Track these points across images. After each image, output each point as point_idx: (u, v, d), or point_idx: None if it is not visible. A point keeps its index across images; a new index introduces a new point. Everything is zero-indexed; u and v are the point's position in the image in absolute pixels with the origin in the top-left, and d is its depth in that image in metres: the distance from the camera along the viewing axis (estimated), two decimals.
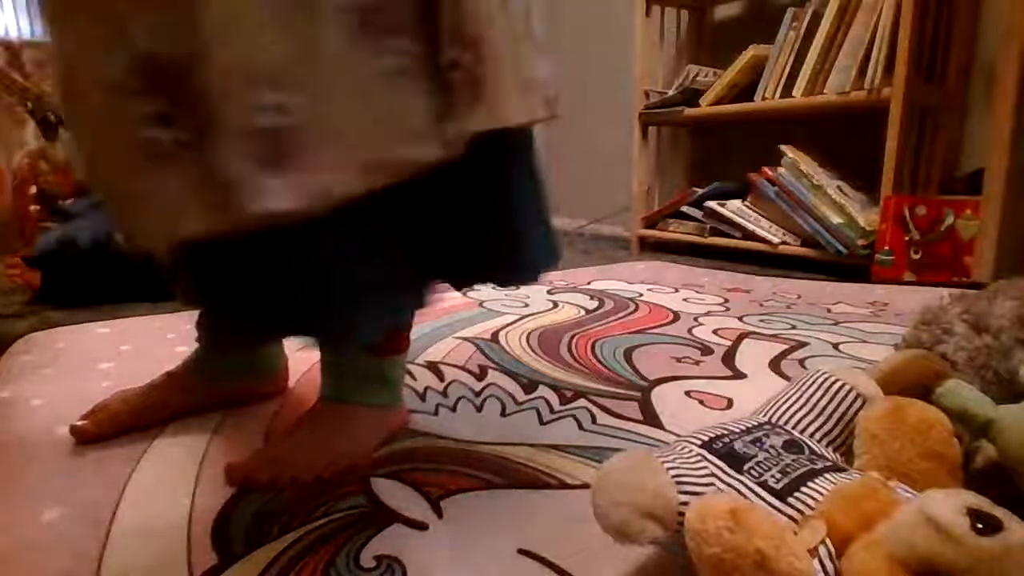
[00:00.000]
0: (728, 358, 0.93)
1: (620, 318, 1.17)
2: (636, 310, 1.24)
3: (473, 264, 0.58)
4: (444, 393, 0.78)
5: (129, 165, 0.40)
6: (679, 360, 0.91)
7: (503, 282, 0.63)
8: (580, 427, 0.67)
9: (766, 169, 1.84)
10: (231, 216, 0.39)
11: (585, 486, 0.55)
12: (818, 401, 0.48)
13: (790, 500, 0.38)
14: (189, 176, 0.39)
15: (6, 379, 0.83)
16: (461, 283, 0.61)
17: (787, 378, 0.83)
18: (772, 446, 0.43)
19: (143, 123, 0.38)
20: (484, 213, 0.55)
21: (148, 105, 0.38)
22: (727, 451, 0.42)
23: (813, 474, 0.40)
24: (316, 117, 0.40)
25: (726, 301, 1.34)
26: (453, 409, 0.72)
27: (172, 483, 0.56)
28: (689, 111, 2.04)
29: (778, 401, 0.50)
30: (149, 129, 0.38)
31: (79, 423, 0.64)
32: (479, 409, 0.73)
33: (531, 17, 0.51)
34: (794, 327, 1.11)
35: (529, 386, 0.80)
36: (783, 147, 1.81)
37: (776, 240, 1.83)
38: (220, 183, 0.38)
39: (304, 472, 0.55)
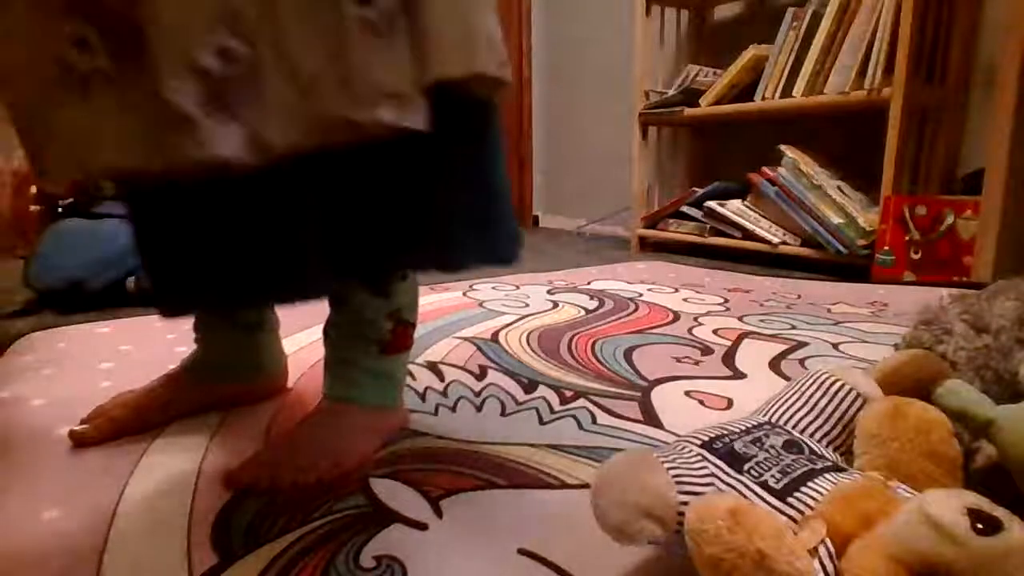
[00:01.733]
0: (728, 358, 0.93)
1: (620, 318, 1.17)
2: (636, 310, 1.24)
3: (390, 248, 0.53)
4: (444, 393, 0.78)
5: (40, 89, 0.37)
6: (679, 360, 0.91)
7: (424, 267, 0.59)
8: (580, 427, 0.67)
9: (766, 169, 1.84)
10: (168, 158, 0.36)
11: (585, 486, 0.55)
12: (818, 401, 0.48)
13: (790, 500, 0.38)
14: (105, 108, 0.36)
15: (6, 379, 0.83)
16: (379, 267, 0.57)
17: (787, 378, 0.83)
18: (772, 446, 0.43)
19: (59, 44, 0.36)
20: (413, 198, 0.52)
21: (67, 25, 0.35)
22: (727, 451, 0.42)
23: (813, 474, 0.40)
24: (268, 67, 0.37)
25: (726, 301, 1.34)
26: (453, 409, 0.72)
27: (172, 483, 0.56)
28: (689, 111, 2.04)
29: (778, 401, 0.50)
30: (65, 52, 0.35)
31: (79, 428, 0.64)
32: (479, 409, 0.73)
33: None
34: (794, 327, 1.11)
35: (529, 386, 0.80)
36: (783, 147, 1.81)
37: (776, 240, 1.83)
38: (160, 121, 0.36)
39: (304, 476, 0.55)
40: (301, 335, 1.01)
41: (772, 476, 0.40)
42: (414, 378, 0.83)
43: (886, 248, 1.56)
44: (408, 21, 0.41)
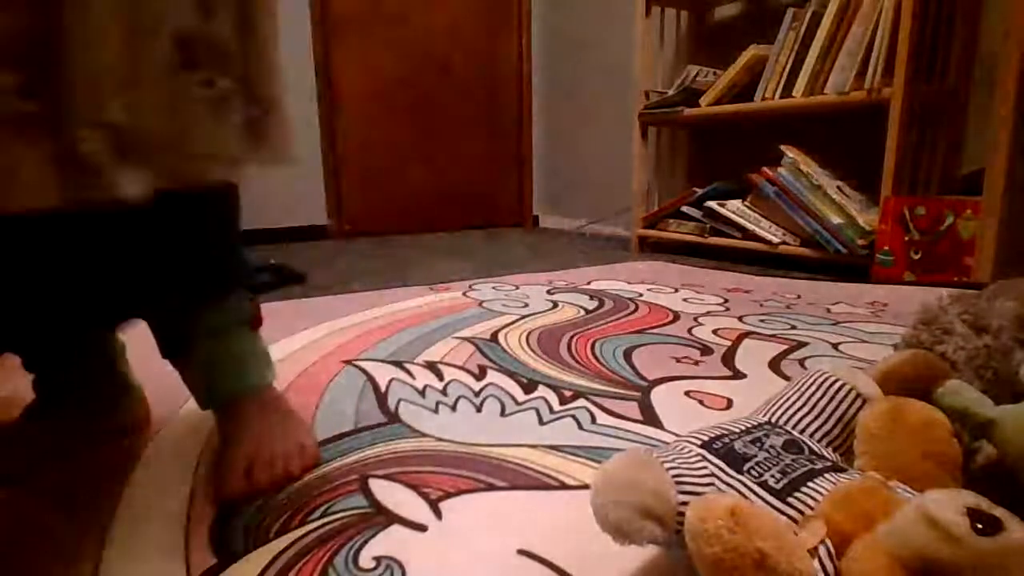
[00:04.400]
0: (728, 358, 0.92)
1: (620, 318, 1.17)
2: (636, 310, 1.24)
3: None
4: (444, 392, 0.78)
5: None
6: (679, 360, 0.91)
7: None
8: (580, 427, 0.67)
9: (766, 169, 1.84)
10: (88, 195, 0.41)
11: (585, 486, 0.55)
12: (818, 401, 0.48)
13: (790, 500, 0.38)
14: (47, 151, 0.41)
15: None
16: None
17: (787, 378, 0.83)
18: (772, 446, 0.43)
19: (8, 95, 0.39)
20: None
21: (10, 77, 0.39)
22: (727, 451, 0.42)
23: (813, 474, 0.40)
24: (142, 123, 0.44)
25: (726, 301, 1.34)
26: (453, 409, 0.72)
27: (171, 483, 0.56)
28: (689, 111, 2.03)
29: (778, 401, 0.50)
30: (15, 101, 0.39)
31: None
32: (479, 409, 0.72)
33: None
34: (794, 327, 1.10)
35: (529, 386, 0.80)
36: (783, 147, 1.81)
37: (776, 240, 1.83)
38: (81, 163, 0.41)
39: (278, 468, 0.55)
40: (305, 333, 1.01)
41: (772, 476, 0.39)
42: (412, 376, 0.83)
43: (886, 248, 1.55)
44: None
